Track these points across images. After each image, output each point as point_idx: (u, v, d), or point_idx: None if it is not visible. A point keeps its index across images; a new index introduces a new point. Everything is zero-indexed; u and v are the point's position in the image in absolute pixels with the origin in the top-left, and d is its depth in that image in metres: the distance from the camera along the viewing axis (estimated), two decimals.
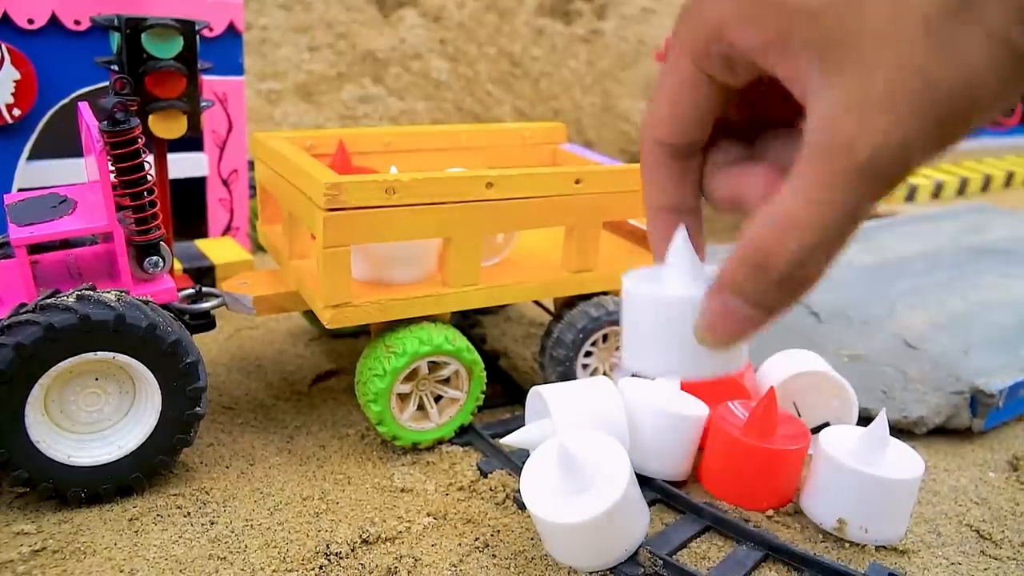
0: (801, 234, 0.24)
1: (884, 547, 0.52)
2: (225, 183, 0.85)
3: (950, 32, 0.22)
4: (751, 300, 0.26)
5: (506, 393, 0.68)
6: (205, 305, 0.59)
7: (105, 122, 0.50)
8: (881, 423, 0.52)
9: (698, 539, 0.52)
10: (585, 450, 0.47)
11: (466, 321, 0.79)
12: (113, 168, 0.51)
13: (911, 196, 1.36)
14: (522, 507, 0.53)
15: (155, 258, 0.54)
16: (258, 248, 0.94)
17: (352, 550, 0.48)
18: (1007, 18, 0.21)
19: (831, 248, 0.24)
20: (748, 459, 0.53)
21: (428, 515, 0.51)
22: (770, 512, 0.54)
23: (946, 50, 0.22)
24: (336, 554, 0.47)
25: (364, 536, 0.49)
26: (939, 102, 0.22)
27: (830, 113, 0.24)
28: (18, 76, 0.68)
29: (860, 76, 0.23)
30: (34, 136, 0.71)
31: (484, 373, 0.59)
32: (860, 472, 0.50)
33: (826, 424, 0.62)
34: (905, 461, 0.52)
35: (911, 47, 0.22)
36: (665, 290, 0.29)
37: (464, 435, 0.60)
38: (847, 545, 0.52)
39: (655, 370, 0.31)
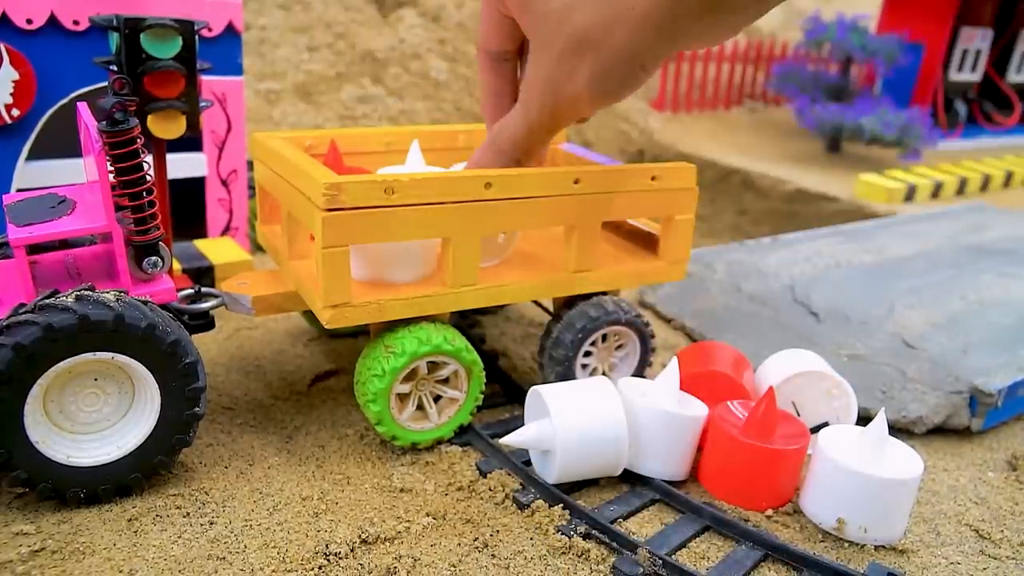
0: (511, 137, 0.53)
1: (883, 547, 0.52)
2: (224, 183, 0.85)
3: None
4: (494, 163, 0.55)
5: (505, 393, 0.68)
6: (204, 305, 0.59)
7: (104, 122, 0.50)
8: (880, 423, 0.52)
9: (697, 539, 0.52)
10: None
11: (465, 321, 0.79)
12: (112, 168, 0.51)
13: (910, 196, 1.36)
14: (521, 507, 0.53)
15: (154, 258, 0.54)
16: (257, 248, 0.94)
17: (351, 550, 0.48)
18: None
19: (535, 142, 0.53)
20: (747, 459, 0.53)
21: (427, 515, 0.51)
22: (769, 512, 0.54)
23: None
24: (335, 554, 0.47)
25: (363, 536, 0.49)
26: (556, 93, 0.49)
27: (527, 78, 0.50)
28: (17, 76, 0.68)
29: (539, 60, 0.48)
30: (33, 136, 0.71)
31: (483, 373, 0.59)
32: (859, 472, 0.50)
33: (825, 424, 0.62)
34: (904, 461, 0.52)
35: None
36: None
37: (463, 435, 0.60)
38: (846, 545, 0.52)
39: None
